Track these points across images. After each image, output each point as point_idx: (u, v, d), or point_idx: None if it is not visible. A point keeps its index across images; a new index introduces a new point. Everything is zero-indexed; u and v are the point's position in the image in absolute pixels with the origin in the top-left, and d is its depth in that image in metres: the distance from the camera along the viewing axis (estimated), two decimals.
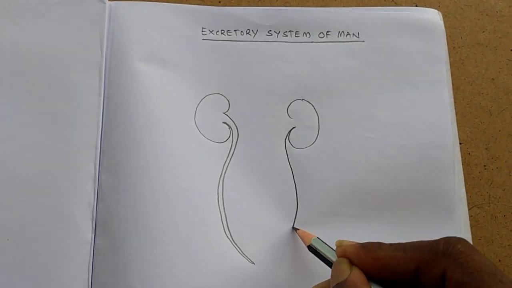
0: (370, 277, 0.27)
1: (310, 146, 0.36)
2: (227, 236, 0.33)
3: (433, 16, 0.39)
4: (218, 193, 0.34)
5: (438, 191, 0.34)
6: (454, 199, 0.34)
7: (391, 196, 0.34)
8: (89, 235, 0.33)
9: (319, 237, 0.31)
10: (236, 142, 0.35)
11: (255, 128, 0.36)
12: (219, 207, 0.34)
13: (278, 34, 0.38)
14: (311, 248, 0.31)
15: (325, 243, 0.31)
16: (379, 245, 0.27)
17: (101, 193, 0.34)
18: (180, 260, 0.32)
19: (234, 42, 0.38)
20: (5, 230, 0.32)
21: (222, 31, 0.38)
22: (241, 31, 0.38)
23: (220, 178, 0.34)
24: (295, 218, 0.34)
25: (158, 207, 0.33)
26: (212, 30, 0.38)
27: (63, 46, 0.36)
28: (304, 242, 0.32)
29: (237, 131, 0.36)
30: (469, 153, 0.36)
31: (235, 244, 0.33)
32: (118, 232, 0.33)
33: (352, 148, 0.35)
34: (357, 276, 0.27)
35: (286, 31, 0.38)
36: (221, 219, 0.33)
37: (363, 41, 0.38)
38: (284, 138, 0.36)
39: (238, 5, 0.39)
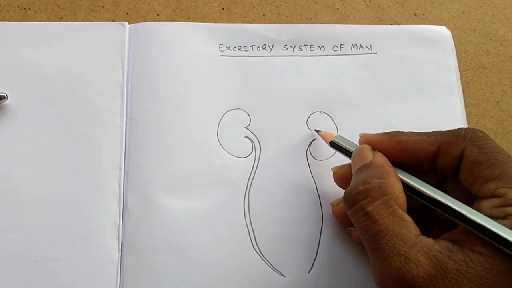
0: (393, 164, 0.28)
1: (331, 157, 0.36)
2: (256, 251, 0.33)
3: (441, 29, 0.39)
4: (244, 208, 0.34)
5: None
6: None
7: None
8: (115, 254, 0.32)
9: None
10: (259, 156, 0.35)
11: (277, 141, 0.36)
12: (245, 222, 0.33)
13: (293, 48, 0.38)
14: (333, 144, 0.32)
15: (347, 139, 0.32)
16: (402, 132, 0.29)
17: (127, 212, 0.33)
18: (210, 277, 0.32)
19: (251, 57, 0.38)
20: (32, 252, 0.32)
21: (239, 47, 0.38)
22: (258, 47, 0.38)
23: (245, 193, 0.34)
24: (321, 228, 0.33)
25: (186, 226, 0.33)
26: (229, 46, 0.38)
27: (86, 70, 0.36)
28: (325, 140, 0.33)
29: (259, 145, 0.36)
30: None
31: (264, 257, 0.33)
32: (146, 251, 0.32)
33: None
34: (381, 157, 0.28)
35: (301, 46, 0.38)
36: (249, 234, 0.33)
37: (376, 53, 0.38)
38: (305, 150, 0.36)
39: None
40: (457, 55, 0.39)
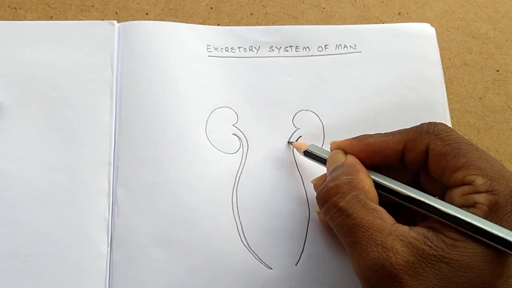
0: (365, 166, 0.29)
1: None
2: (244, 244, 0.33)
3: (424, 26, 0.40)
4: (232, 203, 0.34)
5: None
6: None
7: None
8: (105, 249, 0.32)
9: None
10: (247, 152, 0.36)
11: (264, 138, 0.36)
12: (234, 216, 0.34)
13: (279, 49, 0.39)
14: (308, 153, 0.33)
15: (321, 148, 0.33)
16: (369, 134, 0.30)
17: (117, 208, 0.33)
18: (198, 271, 0.32)
19: (239, 58, 0.38)
20: (23, 247, 0.32)
21: (227, 48, 0.39)
22: (244, 48, 0.39)
23: (233, 188, 0.35)
24: (308, 222, 0.34)
25: (174, 220, 0.33)
26: (217, 48, 0.39)
27: (76, 68, 0.37)
28: (299, 150, 0.34)
29: (247, 142, 0.36)
30: None
31: (252, 251, 0.33)
32: (136, 245, 0.32)
33: None
34: (352, 158, 0.29)
35: (287, 47, 0.39)
36: (237, 228, 0.33)
37: (360, 51, 0.39)
38: (292, 147, 0.36)
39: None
40: (440, 52, 0.39)
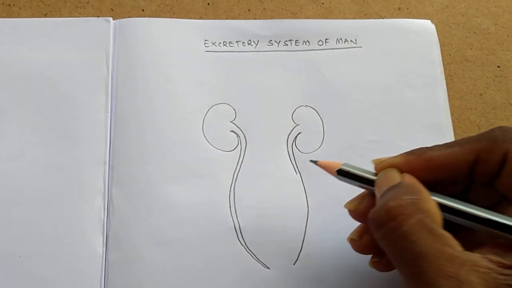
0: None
1: (316, 150, 0.35)
2: (241, 243, 0.32)
3: (425, 23, 0.39)
4: (230, 201, 0.33)
5: None
6: None
7: None
8: (100, 249, 0.32)
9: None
10: (245, 150, 0.35)
11: (262, 135, 0.35)
12: (231, 215, 0.33)
13: (278, 43, 0.38)
14: (343, 172, 0.27)
15: (354, 165, 0.27)
16: (427, 148, 0.26)
17: (112, 207, 0.33)
18: (195, 270, 0.31)
19: (237, 53, 0.38)
20: (17, 247, 0.32)
21: (225, 43, 0.38)
22: (243, 42, 0.38)
23: (231, 187, 0.34)
24: (306, 221, 0.33)
25: (171, 220, 0.32)
26: (215, 42, 0.38)
27: (70, 65, 0.36)
28: (329, 171, 0.28)
29: (245, 139, 0.35)
30: None
31: (250, 250, 0.32)
32: (131, 245, 0.32)
33: (356, 151, 0.35)
34: (411, 177, 0.25)
35: (286, 41, 0.38)
36: (234, 227, 0.33)
37: (361, 47, 0.38)
38: (291, 144, 0.35)
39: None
40: (441, 48, 0.39)
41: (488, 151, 0.25)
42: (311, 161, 0.30)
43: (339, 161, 0.32)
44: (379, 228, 0.23)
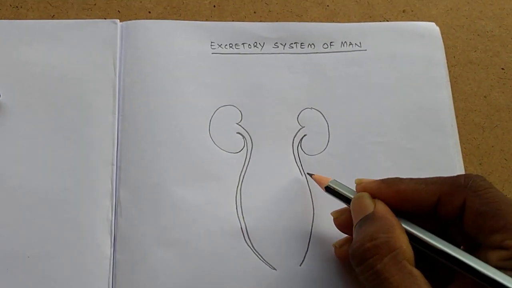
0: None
1: (321, 152, 0.35)
2: (248, 244, 0.32)
3: (430, 25, 0.39)
4: (236, 203, 0.34)
5: None
6: None
7: None
8: (108, 250, 0.32)
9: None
10: (251, 151, 0.35)
11: (268, 137, 0.35)
12: (238, 216, 0.33)
13: (284, 46, 0.38)
14: (329, 189, 0.31)
15: (343, 184, 0.31)
16: (400, 179, 0.28)
17: (120, 208, 0.33)
18: (202, 271, 0.31)
19: (243, 55, 0.38)
20: (26, 248, 0.32)
21: (231, 45, 0.38)
22: (249, 44, 0.38)
23: (237, 188, 0.34)
24: (312, 222, 0.33)
25: (178, 221, 0.32)
26: (221, 44, 0.38)
27: (78, 68, 0.36)
28: (320, 185, 0.32)
29: (251, 140, 0.36)
30: (464, 168, 0.36)
31: (256, 251, 0.32)
32: (139, 246, 0.32)
33: (362, 152, 0.35)
34: (382, 207, 0.27)
35: (292, 43, 0.38)
36: (241, 228, 0.33)
37: (365, 50, 0.38)
38: (297, 146, 0.36)
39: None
40: (445, 50, 0.39)
41: (449, 195, 0.26)
42: (308, 173, 0.34)
43: (344, 163, 0.34)
44: (358, 265, 0.26)
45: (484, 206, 0.25)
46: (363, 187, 0.29)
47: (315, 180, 0.33)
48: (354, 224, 0.28)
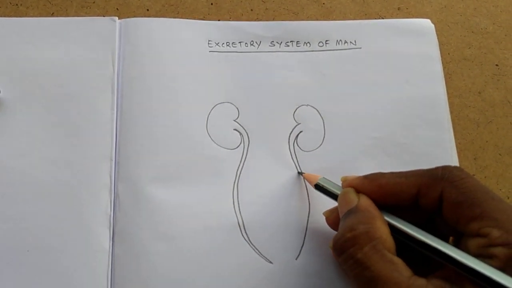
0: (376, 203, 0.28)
1: (317, 148, 0.36)
2: (245, 238, 0.33)
3: (425, 22, 0.40)
4: (233, 198, 0.34)
5: None
6: None
7: None
8: (107, 243, 0.32)
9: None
10: (248, 147, 0.35)
11: (265, 133, 0.36)
12: (235, 211, 0.33)
13: (280, 44, 0.39)
14: (318, 187, 0.32)
15: (331, 181, 0.32)
16: (382, 174, 0.29)
17: (119, 203, 0.33)
18: (200, 265, 0.32)
19: (240, 53, 0.38)
20: (25, 242, 0.32)
21: (228, 43, 0.38)
22: (245, 43, 0.38)
23: (234, 183, 0.34)
24: (308, 216, 0.34)
25: (176, 215, 0.33)
26: (218, 43, 0.38)
27: (76, 64, 0.36)
28: (310, 183, 0.33)
29: (248, 137, 0.36)
30: (458, 164, 0.36)
31: (253, 245, 0.33)
32: (137, 240, 0.32)
33: (357, 148, 0.35)
34: (365, 201, 0.28)
35: (288, 42, 0.39)
36: (238, 222, 0.33)
37: (360, 47, 0.39)
38: (293, 142, 0.36)
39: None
40: (439, 47, 0.39)
41: (427, 187, 0.27)
42: (299, 172, 0.34)
43: (340, 159, 0.34)
44: (339, 255, 0.26)
45: (461, 195, 0.26)
46: (348, 183, 0.30)
47: (305, 178, 0.34)
48: (341, 219, 0.29)
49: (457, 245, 0.26)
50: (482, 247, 0.25)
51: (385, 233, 0.26)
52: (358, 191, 0.29)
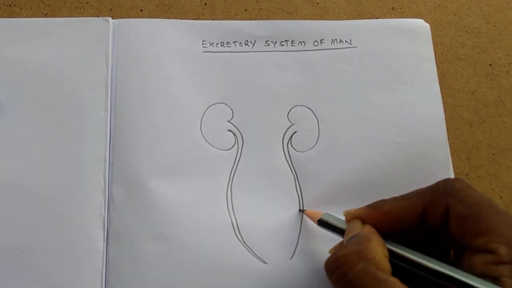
0: (382, 234, 0.27)
1: (311, 149, 0.35)
2: (239, 239, 0.33)
3: (419, 22, 0.39)
4: (227, 199, 0.34)
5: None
6: None
7: (393, 192, 0.34)
8: (101, 244, 0.32)
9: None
10: (242, 148, 0.35)
11: (259, 134, 0.35)
12: (229, 212, 0.33)
13: (275, 44, 0.38)
14: (322, 222, 0.30)
15: (334, 216, 0.30)
16: (384, 201, 0.28)
17: (113, 204, 0.33)
18: (193, 266, 0.32)
19: (234, 53, 0.38)
20: (20, 243, 0.32)
21: (222, 43, 0.38)
22: (240, 43, 0.38)
23: (228, 184, 0.34)
24: (302, 217, 0.33)
25: (170, 216, 0.33)
26: (212, 43, 0.38)
27: (70, 65, 0.36)
28: (313, 220, 0.32)
29: (242, 138, 0.36)
30: (452, 163, 0.36)
31: (247, 246, 0.32)
32: (131, 240, 0.32)
33: (352, 148, 0.35)
34: (369, 228, 0.27)
35: (283, 41, 0.38)
36: (232, 224, 0.33)
37: (356, 47, 0.38)
38: (287, 143, 0.36)
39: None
40: (433, 47, 0.39)
41: (432, 204, 0.26)
42: (300, 210, 0.34)
43: (334, 159, 0.33)
44: (330, 275, 0.26)
45: (466, 209, 0.25)
46: (352, 215, 0.29)
47: (307, 215, 0.33)
48: None
49: (460, 260, 0.26)
50: (490, 264, 0.24)
51: (379, 253, 0.25)
52: (363, 221, 0.28)
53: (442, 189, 0.26)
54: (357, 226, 0.28)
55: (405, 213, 0.27)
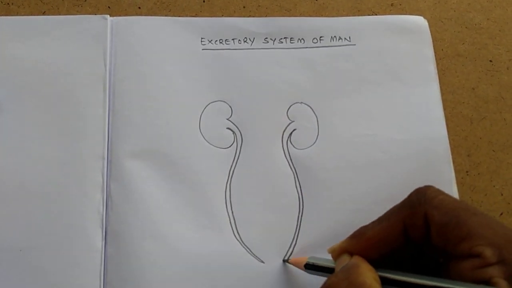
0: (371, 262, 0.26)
1: (311, 146, 0.35)
2: (237, 238, 0.32)
3: (418, 20, 0.39)
4: (225, 197, 0.33)
5: (436, 179, 0.33)
6: (452, 187, 0.34)
7: (393, 188, 0.33)
8: (99, 243, 0.31)
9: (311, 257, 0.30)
10: (241, 146, 0.34)
11: (258, 132, 0.35)
12: (227, 211, 0.33)
13: (274, 41, 0.37)
14: (309, 265, 0.29)
15: (320, 257, 0.29)
16: (365, 227, 0.28)
17: (111, 202, 0.32)
18: (192, 264, 0.31)
19: (233, 50, 0.37)
20: (18, 241, 0.31)
21: (221, 41, 0.37)
22: (239, 40, 0.37)
23: (227, 183, 0.33)
24: (301, 215, 0.33)
25: (168, 214, 0.32)
26: (211, 40, 0.37)
27: (68, 62, 0.35)
28: (299, 266, 0.30)
29: (241, 136, 0.35)
30: (452, 160, 0.35)
31: (245, 245, 0.32)
32: (130, 239, 0.31)
33: (351, 145, 0.34)
34: (356, 257, 0.27)
35: (282, 38, 0.37)
36: (230, 222, 0.32)
37: (355, 44, 0.37)
38: (286, 140, 0.35)
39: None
40: (433, 43, 0.38)
41: (411, 218, 0.26)
42: (284, 260, 0.32)
43: (334, 157, 0.32)
44: None
45: (444, 216, 0.25)
46: (338, 251, 0.28)
47: (292, 263, 0.31)
48: None
49: (447, 269, 0.25)
50: (478, 268, 0.23)
51: (368, 277, 0.24)
52: (351, 254, 0.27)
53: (415, 200, 0.26)
54: (345, 259, 0.27)
55: (388, 233, 0.26)
